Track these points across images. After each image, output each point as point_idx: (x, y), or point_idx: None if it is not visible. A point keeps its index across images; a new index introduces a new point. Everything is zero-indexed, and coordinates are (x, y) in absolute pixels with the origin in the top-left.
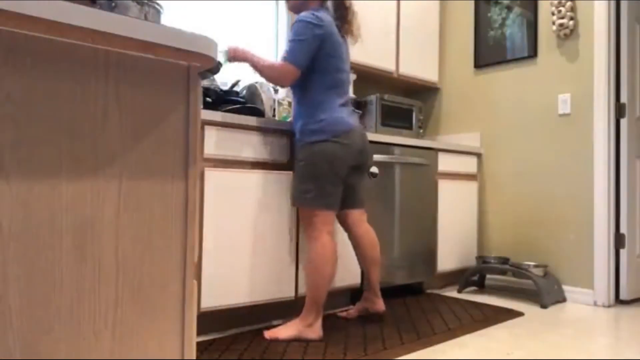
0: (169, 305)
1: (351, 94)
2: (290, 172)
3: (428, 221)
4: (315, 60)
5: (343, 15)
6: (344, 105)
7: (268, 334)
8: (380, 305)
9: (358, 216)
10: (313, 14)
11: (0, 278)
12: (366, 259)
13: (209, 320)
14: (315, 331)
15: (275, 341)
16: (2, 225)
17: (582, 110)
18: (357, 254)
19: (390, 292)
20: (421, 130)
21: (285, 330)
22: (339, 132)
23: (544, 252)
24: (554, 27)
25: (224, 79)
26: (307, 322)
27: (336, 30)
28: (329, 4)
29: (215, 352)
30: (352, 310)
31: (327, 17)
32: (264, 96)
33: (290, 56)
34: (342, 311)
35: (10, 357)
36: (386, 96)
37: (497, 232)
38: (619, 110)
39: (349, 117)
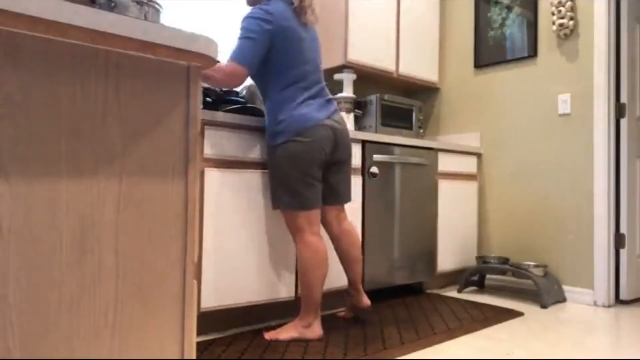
0: (169, 305)
1: (351, 93)
2: None
3: (428, 221)
4: (269, 58)
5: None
6: (311, 98)
7: (268, 335)
8: (364, 301)
9: (336, 213)
10: (261, 9)
11: (1, 277)
12: (348, 257)
13: (209, 320)
14: (314, 331)
15: (276, 342)
16: (2, 224)
17: (582, 110)
18: (337, 253)
19: (390, 292)
20: (421, 130)
21: (285, 332)
22: (299, 131)
23: (544, 252)
24: (554, 27)
25: None
26: (306, 322)
27: (292, 22)
28: None
29: (215, 352)
30: (345, 311)
31: (278, 8)
32: None
33: (238, 56)
34: (340, 311)
35: (10, 357)
36: (386, 96)
37: (497, 232)
38: (619, 110)
39: (317, 110)
